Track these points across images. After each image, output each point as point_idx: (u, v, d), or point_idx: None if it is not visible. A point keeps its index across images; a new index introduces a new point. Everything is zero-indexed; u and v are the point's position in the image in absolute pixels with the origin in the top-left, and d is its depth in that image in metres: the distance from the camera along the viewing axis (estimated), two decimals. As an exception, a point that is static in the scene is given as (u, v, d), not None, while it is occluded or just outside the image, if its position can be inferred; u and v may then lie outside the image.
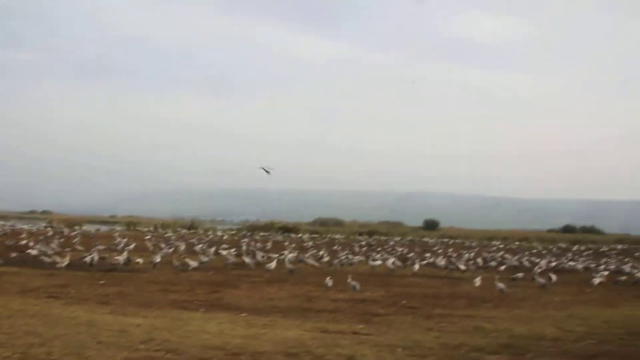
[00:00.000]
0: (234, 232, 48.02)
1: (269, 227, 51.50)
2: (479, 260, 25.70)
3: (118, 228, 47.78)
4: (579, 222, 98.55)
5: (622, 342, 9.71)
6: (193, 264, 18.98)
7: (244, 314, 11.35)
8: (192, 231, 45.51)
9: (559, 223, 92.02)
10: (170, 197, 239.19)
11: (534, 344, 9.20)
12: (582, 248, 41.53)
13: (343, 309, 12.63)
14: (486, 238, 50.97)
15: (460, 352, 8.48)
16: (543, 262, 25.30)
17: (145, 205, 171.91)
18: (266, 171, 19.59)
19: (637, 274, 20.86)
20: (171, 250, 24.47)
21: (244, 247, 28.02)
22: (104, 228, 45.99)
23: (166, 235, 38.03)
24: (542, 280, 17.52)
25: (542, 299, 15.03)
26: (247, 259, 20.74)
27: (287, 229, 51.01)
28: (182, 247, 25.86)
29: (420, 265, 21.77)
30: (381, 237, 46.98)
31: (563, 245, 44.15)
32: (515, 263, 24.89)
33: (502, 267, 22.94)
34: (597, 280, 19.14)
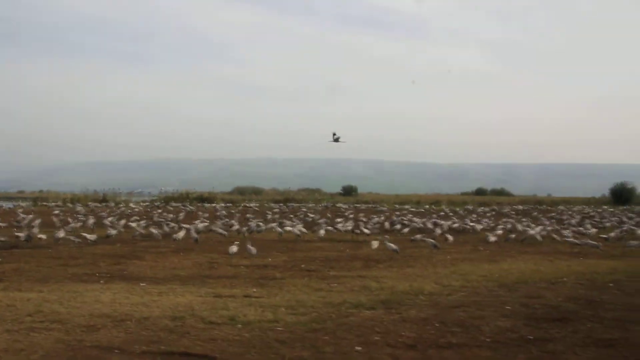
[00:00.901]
0: (147, 203, 47.25)
1: (183, 197, 50.88)
2: (387, 223, 26.85)
3: (23, 204, 45.89)
4: (492, 185, 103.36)
5: (490, 293, 10.63)
6: (91, 237, 18.78)
7: (143, 284, 11.54)
8: (103, 204, 44.36)
9: (473, 186, 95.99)
10: (91, 169, 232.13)
11: (410, 299, 9.95)
12: (487, 209, 43.73)
13: (242, 274, 13.04)
14: (399, 202, 52.60)
15: (339, 308, 9.09)
16: (445, 224, 26.66)
17: (65, 179, 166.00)
18: (336, 140, 19.61)
19: (528, 232, 22.44)
20: (79, 225, 23.94)
21: (155, 219, 27.85)
22: (7, 205, 43.89)
23: (77, 209, 36.98)
24: (432, 240, 18.54)
25: (434, 258, 15.90)
26: (154, 230, 20.73)
27: (202, 199, 50.65)
28: (91, 221, 25.30)
29: (327, 230, 22.44)
30: (295, 204, 47.47)
31: (470, 207, 46.19)
32: (420, 225, 25.96)
33: (406, 230, 23.99)
34: (491, 239, 20.54)
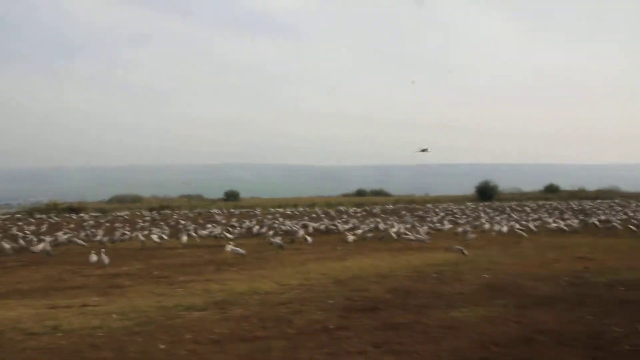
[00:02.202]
0: (7, 216, 44.61)
1: (51, 208, 48.55)
2: (256, 227, 27.41)
3: None
4: (373, 186, 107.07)
5: (322, 289, 11.28)
6: None
7: (-22, 301, 11.21)
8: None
9: (355, 188, 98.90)
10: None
11: (244, 299, 10.42)
12: (358, 210, 45.52)
13: (91, 284, 12.95)
14: (277, 205, 53.33)
15: (170, 311, 9.40)
16: (312, 226, 27.74)
17: None
18: (424, 150, 19.13)
19: (390, 230, 23.73)
20: None
21: (13, 232, 26.60)
22: None
23: None
24: (278, 242, 19.49)
25: (287, 260, 16.52)
26: (5, 245, 19.88)
27: (71, 209, 48.55)
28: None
29: (190, 236, 22.63)
30: (168, 211, 46.88)
31: (342, 208, 47.81)
32: (287, 228, 26.75)
33: (271, 232, 24.64)
34: (349, 238, 21.62)
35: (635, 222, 25.88)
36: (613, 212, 36.19)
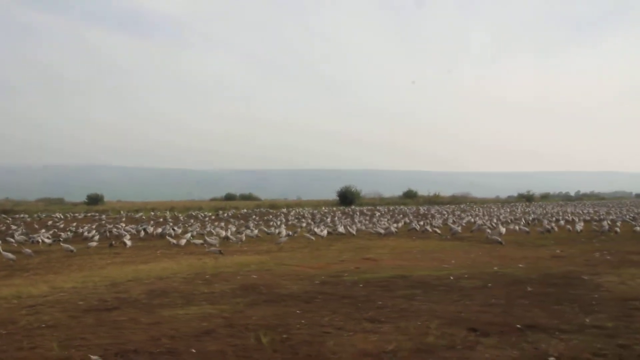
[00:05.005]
0: None
1: None
2: (94, 231, 27.20)
3: None
4: (247, 190, 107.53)
5: (89, 291, 11.58)
6: None
7: None
8: None
9: (229, 191, 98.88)
10: None
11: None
12: (209, 214, 45.89)
13: None
14: (134, 210, 52.37)
15: None
16: (150, 229, 27.95)
17: None
18: None
19: (221, 234, 24.44)
20: None
21: None
22: None
23: None
24: (68, 246, 19.72)
25: (91, 264, 16.70)
26: None
27: None
28: None
29: (5, 241, 22.10)
30: (3, 216, 44.66)
31: (193, 212, 47.91)
32: (117, 232, 26.79)
33: (97, 237, 24.55)
34: (172, 242, 22.20)
35: (452, 227, 28.23)
36: (445, 217, 39.18)
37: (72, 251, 19.02)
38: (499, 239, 21.43)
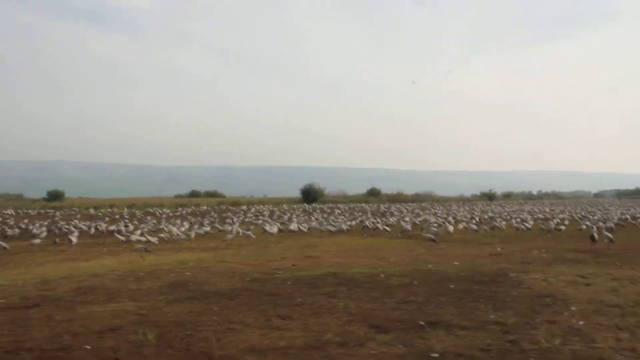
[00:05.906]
0: None
1: None
2: (43, 228, 26.97)
3: None
4: (214, 187, 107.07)
5: (15, 289, 11.57)
6: None
7: None
8: None
9: (195, 188, 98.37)
10: None
11: None
12: (168, 211, 45.63)
13: None
14: (93, 206, 51.76)
15: None
16: (104, 226, 27.81)
17: None
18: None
19: (172, 231, 24.45)
20: None
21: None
22: None
23: None
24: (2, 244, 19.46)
25: (30, 260, 16.81)
26: None
27: None
28: None
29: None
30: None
31: (151, 209, 47.60)
32: (67, 229, 26.64)
33: (44, 234, 24.32)
34: (121, 238, 22.08)
35: (403, 224, 28.58)
36: (403, 215, 39.63)
37: (5, 249, 18.79)
38: (433, 237, 21.79)
